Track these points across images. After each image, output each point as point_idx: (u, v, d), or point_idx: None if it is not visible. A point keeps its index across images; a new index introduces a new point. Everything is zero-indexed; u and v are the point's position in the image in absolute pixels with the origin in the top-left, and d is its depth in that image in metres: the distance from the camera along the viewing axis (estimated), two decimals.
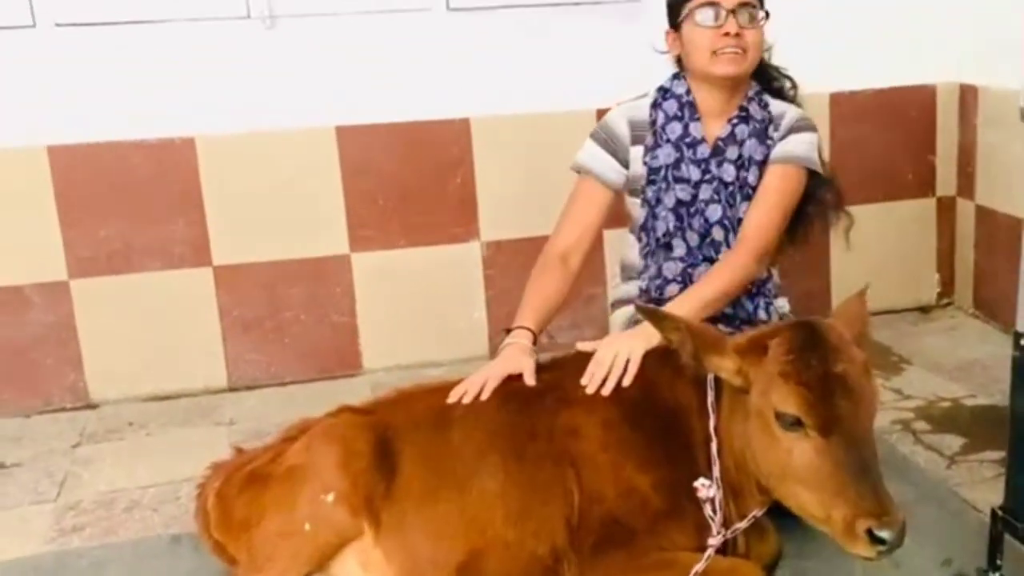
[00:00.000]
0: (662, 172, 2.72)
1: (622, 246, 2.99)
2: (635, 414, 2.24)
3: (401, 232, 3.87)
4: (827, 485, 1.93)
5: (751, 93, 2.75)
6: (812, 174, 2.73)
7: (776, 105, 2.77)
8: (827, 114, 4.10)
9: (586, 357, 2.41)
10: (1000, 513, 2.23)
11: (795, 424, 1.96)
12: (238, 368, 3.84)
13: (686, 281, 2.70)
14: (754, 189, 2.69)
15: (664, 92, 2.78)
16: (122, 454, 3.36)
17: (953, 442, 3.17)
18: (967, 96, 4.16)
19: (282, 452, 2.34)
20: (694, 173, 2.71)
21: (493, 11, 3.79)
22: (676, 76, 2.79)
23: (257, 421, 3.51)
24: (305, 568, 2.20)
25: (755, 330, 2.17)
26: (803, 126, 2.72)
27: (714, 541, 2.12)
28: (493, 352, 3.89)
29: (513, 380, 2.40)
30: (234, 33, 3.63)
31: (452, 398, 2.36)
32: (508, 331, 2.56)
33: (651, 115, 2.76)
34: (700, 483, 2.14)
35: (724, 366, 2.08)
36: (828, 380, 1.97)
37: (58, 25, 3.50)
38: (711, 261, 2.70)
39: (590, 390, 2.30)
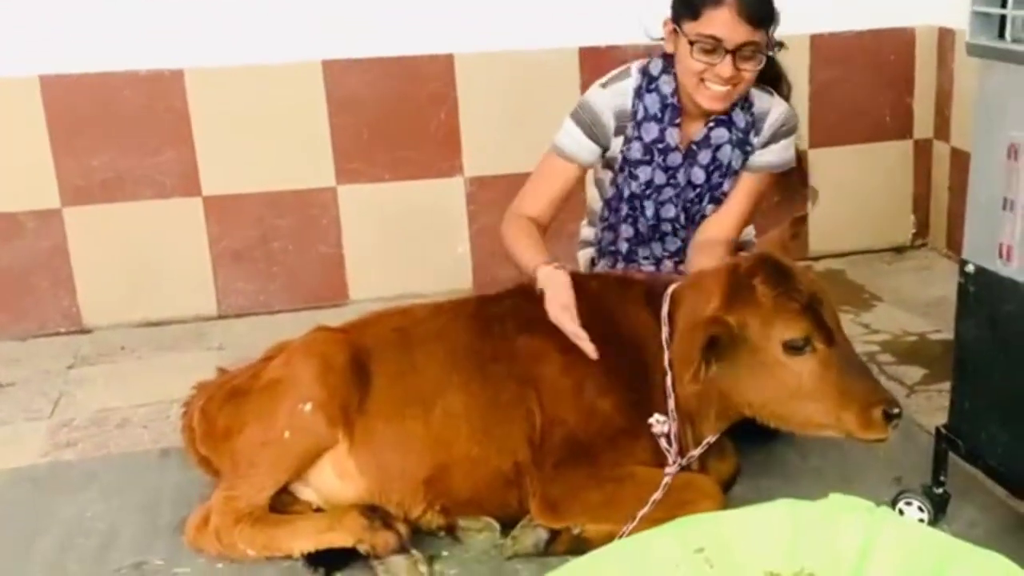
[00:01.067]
0: (628, 165, 2.71)
1: (588, 189, 3.04)
2: (595, 340, 2.32)
3: (386, 166, 3.94)
4: (836, 389, 2.15)
5: None
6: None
7: (760, 101, 2.67)
8: (807, 55, 4.15)
9: None
10: (944, 431, 2.33)
11: (803, 347, 2.14)
12: (227, 296, 3.94)
13: (631, 258, 2.78)
14: (725, 195, 2.70)
15: (649, 81, 2.66)
16: (114, 376, 3.47)
17: (915, 373, 3.28)
18: (945, 39, 4.21)
19: (262, 369, 2.44)
20: (658, 177, 2.68)
21: None
22: (665, 68, 2.66)
23: (245, 347, 3.54)
24: (284, 475, 2.32)
25: (708, 282, 2.27)
26: (786, 131, 2.69)
27: (671, 470, 2.24)
28: (476, 286, 4.00)
29: (480, 304, 2.52)
30: None
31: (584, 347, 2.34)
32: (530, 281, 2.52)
33: (633, 104, 2.66)
34: (654, 419, 2.28)
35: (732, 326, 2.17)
36: (813, 299, 2.17)
37: None
38: (657, 242, 2.77)
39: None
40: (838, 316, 2.25)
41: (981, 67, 2.14)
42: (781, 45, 2.69)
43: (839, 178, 4.15)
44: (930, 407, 3.03)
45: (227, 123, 3.79)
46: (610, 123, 2.68)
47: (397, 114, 3.89)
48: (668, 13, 2.62)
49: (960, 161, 4.21)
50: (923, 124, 4.37)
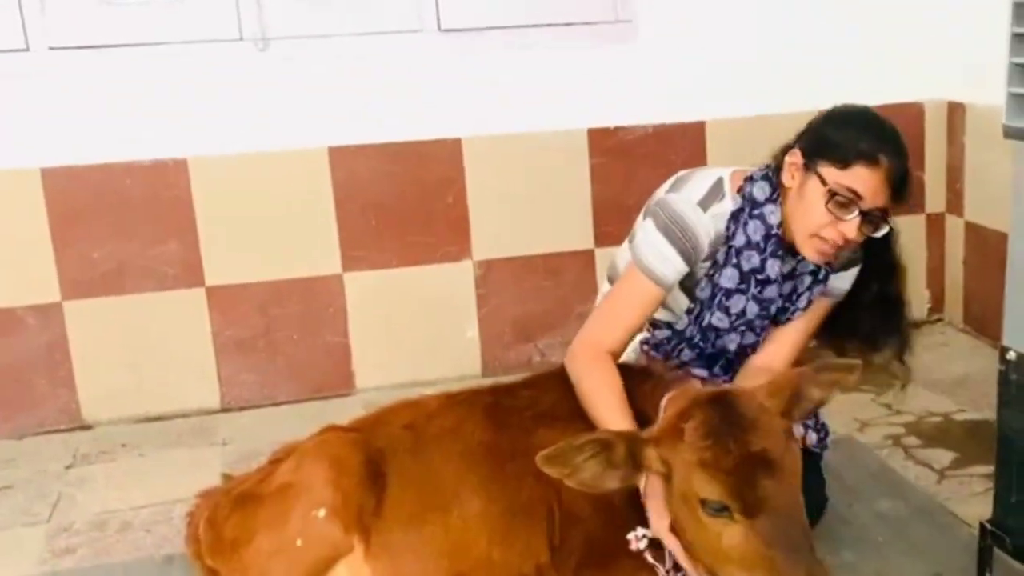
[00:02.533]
0: (715, 293, 2.50)
1: None
2: None
3: (394, 252, 3.89)
4: (760, 564, 1.89)
5: None
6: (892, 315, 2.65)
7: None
8: None
9: (566, 373, 2.39)
10: (989, 527, 2.25)
11: (721, 510, 1.92)
12: (231, 388, 3.85)
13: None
14: (788, 320, 2.55)
15: (752, 206, 2.43)
16: (115, 475, 3.37)
17: (943, 457, 3.18)
18: (955, 113, 4.20)
19: (271, 473, 2.35)
20: (751, 309, 2.49)
21: (485, 31, 3.83)
22: (771, 197, 2.42)
23: (250, 441, 3.50)
24: None
25: (671, 405, 2.11)
26: (852, 261, 2.52)
27: None
28: (485, 370, 3.93)
29: (494, 396, 2.41)
30: (227, 55, 3.66)
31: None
32: None
33: (728, 227, 2.44)
34: (632, 535, 2.11)
35: (651, 458, 2.01)
36: (748, 461, 1.91)
37: (52, 48, 3.53)
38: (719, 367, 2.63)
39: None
40: (791, 482, 1.96)
41: (1018, 149, 2.08)
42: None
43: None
44: (963, 494, 2.94)
45: (231, 211, 3.74)
46: (704, 248, 2.44)
47: (404, 199, 3.86)
48: (795, 143, 2.43)
49: (974, 235, 4.17)
50: (935, 198, 4.33)
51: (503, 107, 3.85)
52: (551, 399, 2.35)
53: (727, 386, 2.17)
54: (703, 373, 2.59)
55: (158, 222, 3.69)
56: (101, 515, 3.08)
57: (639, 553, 2.10)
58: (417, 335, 3.96)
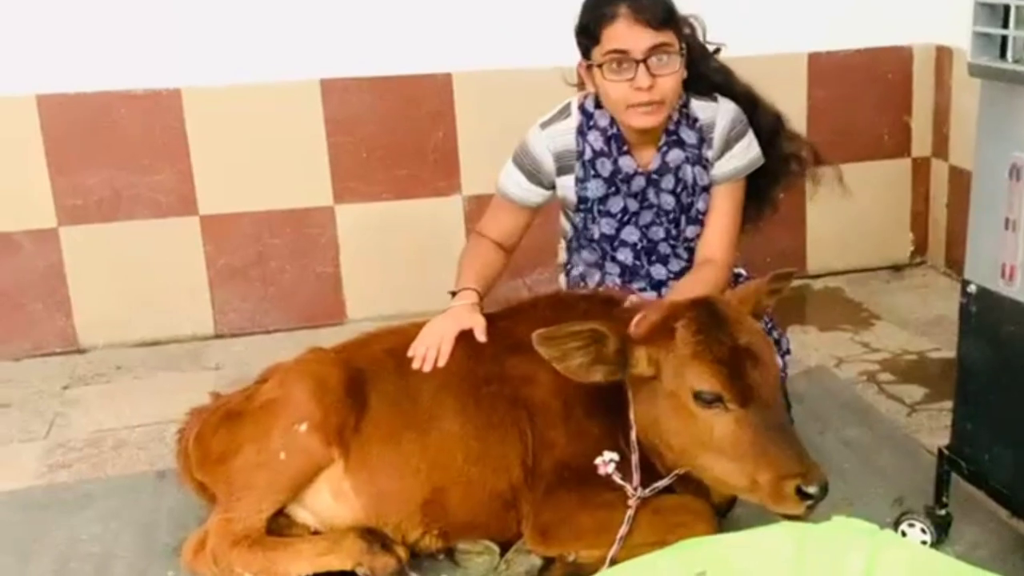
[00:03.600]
0: (591, 204, 2.66)
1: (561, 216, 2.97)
2: None
3: (385, 184, 3.94)
4: (750, 452, 1.99)
5: (677, 108, 2.60)
6: (777, 139, 2.73)
7: (704, 111, 2.63)
8: (805, 74, 4.17)
9: (541, 304, 2.49)
10: (946, 452, 2.32)
11: (714, 400, 2.02)
12: (224, 316, 3.93)
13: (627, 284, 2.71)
14: (702, 213, 2.67)
15: (588, 118, 2.63)
16: (110, 396, 3.45)
17: (916, 392, 3.27)
18: (943, 57, 4.22)
19: (256, 391, 2.43)
20: (631, 204, 2.65)
21: None
22: (598, 103, 2.62)
23: (242, 367, 3.56)
24: (281, 496, 2.30)
25: (650, 314, 2.18)
26: (736, 134, 2.64)
27: (632, 503, 2.16)
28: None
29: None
30: None
31: (414, 361, 2.38)
32: (453, 294, 2.57)
33: (577, 143, 2.63)
34: (600, 460, 2.18)
35: (638, 358, 2.10)
36: (738, 353, 2.03)
37: None
38: (659, 264, 2.72)
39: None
40: (775, 376, 2.11)
41: (982, 87, 2.14)
42: (718, 49, 2.70)
43: (836, 196, 4.13)
44: (931, 426, 3.02)
45: (224, 142, 3.79)
46: (550, 164, 2.66)
47: (395, 133, 3.89)
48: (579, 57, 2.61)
49: (958, 179, 4.21)
50: (921, 142, 4.37)
51: (493, 42, 3.86)
52: (523, 330, 2.37)
53: (704, 294, 2.25)
54: (652, 294, 2.67)
55: (152, 151, 3.74)
56: (96, 433, 3.18)
57: (607, 477, 2.18)
58: (407, 267, 4.01)
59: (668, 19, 2.47)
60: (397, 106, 3.88)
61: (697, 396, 2.03)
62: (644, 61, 2.44)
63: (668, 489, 2.21)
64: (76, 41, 3.62)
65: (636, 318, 2.21)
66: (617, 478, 2.17)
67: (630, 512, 2.15)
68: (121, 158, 3.72)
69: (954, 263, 4.32)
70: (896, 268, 4.46)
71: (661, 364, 2.08)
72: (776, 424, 2.03)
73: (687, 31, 2.59)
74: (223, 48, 3.72)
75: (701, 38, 2.68)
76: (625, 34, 2.44)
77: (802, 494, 1.96)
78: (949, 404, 3.06)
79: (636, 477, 2.18)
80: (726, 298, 2.21)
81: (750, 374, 2.02)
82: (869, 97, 4.26)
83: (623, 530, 2.14)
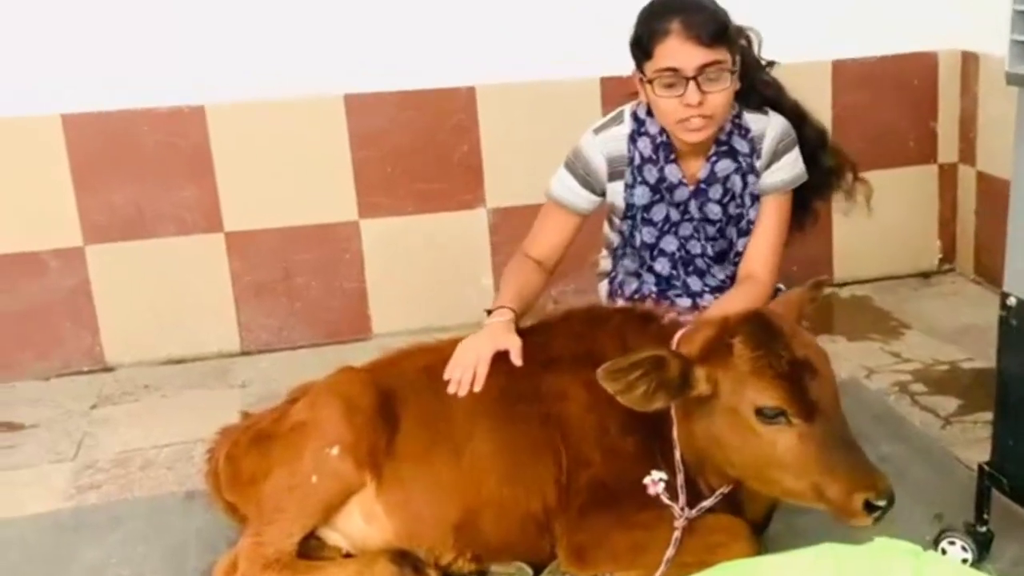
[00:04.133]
0: (636, 211, 2.67)
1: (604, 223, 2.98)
2: None
3: (409, 199, 3.93)
4: (816, 468, 1.97)
5: (729, 119, 2.61)
6: (821, 153, 2.74)
7: (756, 123, 2.64)
8: (829, 81, 4.14)
9: (575, 319, 2.47)
10: (986, 468, 2.29)
11: (777, 416, 1.99)
12: (250, 332, 3.92)
13: (664, 294, 2.71)
14: (752, 223, 2.66)
15: (640, 125, 2.64)
16: (138, 415, 3.45)
17: (949, 403, 3.22)
18: (968, 63, 4.18)
19: (287, 412, 2.41)
20: (672, 214, 2.65)
21: None
22: (650, 111, 2.62)
23: (269, 384, 3.57)
24: (312, 519, 2.27)
25: (697, 331, 2.16)
26: (784, 147, 2.64)
27: (679, 524, 2.14)
28: (486, 315, 3.96)
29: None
30: (245, 2, 3.68)
31: (450, 385, 2.35)
32: (489, 312, 2.55)
33: (628, 150, 2.64)
34: (648, 479, 2.16)
35: (698, 378, 2.07)
36: (798, 366, 2.00)
37: None
38: (694, 276, 2.72)
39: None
40: (835, 389, 2.08)
41: (1020, 96, 2.10)
42: (771, 63, 2.69)
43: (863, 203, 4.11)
44: (966, 439, 2.98)
45: (249, 158, 3.79)
46: (602, 168, 2.66)
47: (419, 147, 3.88)
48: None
49: (986, 185, 4.17)
50: (948, 148, 4.33)
51: (517, 55, 3.86)
52: (558, 345, 2.40)
53: (753, 308, 2.22)
54: (687, 302, 2.67)
55: (177, 168, 3.74)
56: (124, 453, 3.17)
57: (655, 497, 2.15)
58: (432, 282, 4.00)
59: (721, 36, 2.45)
60: (421, 120, 3.87)
61: (759, 412, 2.00)
62: (695, 78, 2.43)
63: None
64: (100, 60, 3.62)
65: (678, 335, 2.19)
66: (665, 498, 2.15)
67: (677, 534, 2.12)
68: (146, 176, 3.72)
69: (983, 270, 4.28)
70: (924, 275, 4.41)
71: (719, 382, 2.05)
72: (840, 437, 2.00)
73: (743, 43, 2.60)
74: (246, 64, 3.72)
75: (756, 51, 2.67)
76: (677, 51, 2.43)
77: (870, 507, 1.94)
78: (984, 416, 3.07)
79: (682, 498, 2.16)
80: (776, 310, 2.17)
81: (811, 387, 2.00)
82: (895, 104, 4.22)
83: (670, 552, 2.11)
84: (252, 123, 3.77)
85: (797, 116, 2.71)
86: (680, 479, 2.17)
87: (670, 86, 2.46)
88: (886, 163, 4.23)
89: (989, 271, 4.24)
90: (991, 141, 4.12)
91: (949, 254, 4.44)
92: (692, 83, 2.43)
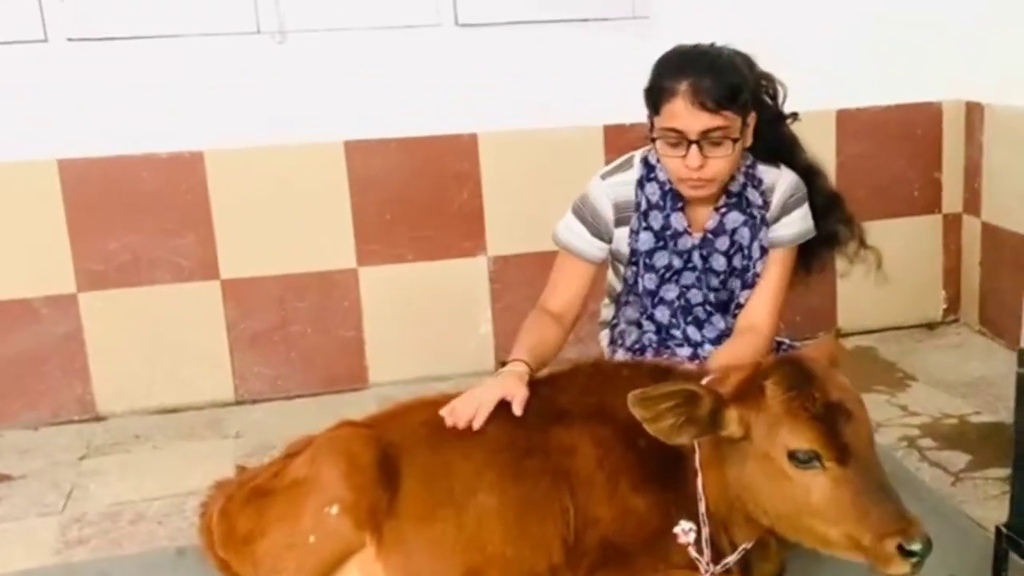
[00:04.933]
0: (639, 257, 2.66)
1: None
2: (628, 434, 2.19)
3: (408, 246, 3.89)
4: (850, 513, 1.93)
5: (743, 171, 2.61)
6: (830, 214, 2.73)
7: (767, 175, 2.64)
8: (833, 131, 4.13)
9: (581, 372, 2.42)
10: (1004, 531, 2.24)
11: (811, 460, 1.95)
12: (245, 381, 3.86)
13: (665, 343, 2.69)
14: (758, 275, 2.65)
15: (649, 171, 2.64)
16: (128, 467, 3.38)
17: (958, 459, 3.17)
18: (973, 113, 4.17)
19: (285, 467, 2.35)
20: (675, 262, 2.64)
21: (502, 27, 3.81)
22: (659, 159, 2.62)
23: (263, 434, 3.52)
24: None
25: (733, 375, 2.13)
26: (795, 201, 2.64)
27: None
28: (499, 366, 3.91)
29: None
30: (244, 48, 3.66)
31: (446, 421, 2.33)
32: (504, 363, 2.51)
33: (636, 195, 2.64)
34: (679, 529, 2.12)
35: (730, 419, 2.04)
36: (832, 410, 1.97)
37: (70, 40, 3.53)
38: (692, 326, 2.69)
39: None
40: (869, 432, 2.04)
41: None
42: (795, 116, 2.68)
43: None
44: (978, 496, 2.93)
45: (247, 205, 3.75)
46: (609, 215, 2.66)
47: (419, 194, 3.86)
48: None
49: (991, 235, 4.15)
50: (952, 198, 4.32)
51: (519, 102, 3.85)
52: (568, 398, 2.35)
53: (789, 352, 2.19)
54: (687, 352, 2.64)
55: (174, 215, 3.70)
56: (114, 506, 3.10)
57: (685, 547, 2.11)
58: (431, 330, 3.96)
59: (730, 100, 2.44)
60: (421, 167, 3.85)
61: (792, 456, 1.96)
62: (698, 143, 2.43)
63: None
64: (97, 105, 3.60)
65: (705, 381, 2.15)
66: (694, 552, 2.10)
67: None
68: (142, 222, 3.68)
69: (988, 321, 4.25)
70: (929, 326, 4.38)
71: (752, 424, 2.01)
72: (875, 481, 1.95)
73: (766, 96, 2.60)
74: (246, 110, 3.69)
75: (780, 102, 2.66)
76: (681, 114, 2.42)
77: (905, 552, 1.87)
78: (995, 472, 3.02)
79: (707, 552, 2.11)
80: (806, 355, 2.14)
81: (845, 431, 1.95)
82: (899, 153, 4.22)
83: None
84: (251, 169, 3.74)
85: (811, 172, 2.70)
86: (705, 533, 2.12)
87: (674, 145, 2.47)
88: (890, 212, 4.23)
89: (994, 322, 4.20)
90: (996, 191, 4.11)
91: (953, 304, 4.41)
92: (694, 147, 2.43)
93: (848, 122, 4.14)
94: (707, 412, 2.02)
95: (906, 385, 3.80)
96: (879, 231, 4.18)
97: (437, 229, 3.90)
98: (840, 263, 2.87)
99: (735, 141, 2.46)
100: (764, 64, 3.96)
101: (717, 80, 2.42)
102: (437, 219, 3.89)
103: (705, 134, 2.42)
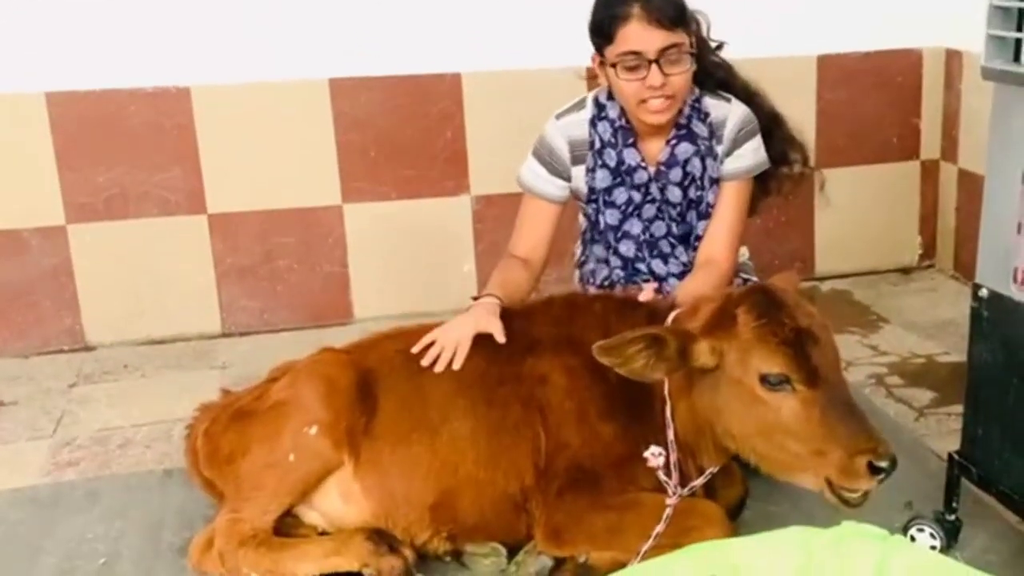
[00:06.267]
0: (598, 194, 2.71)
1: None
2: (598, 364, 2.22)
3: (393, 184, 3.93)
4: (819, 432, 2.01)
5: (689, 103, 2.66)
6: (774, 134, 2.78)
7: (717, 109, 2.68)
8: (814, 76, 4.16)
9: (555, 304, 2.49)
10: (956, 457, 2.31)
11: (782, 383, 2.03)
12: (231, 314, 3.92)
13: (632, 278, 2.75)
14: (711, 206, 2.70)
15: (600, 109, 2.70)
16: (117, 395, 3.45)
17: (923, 396, 3.26)
18: (952, 61, 4.20)
19: (267, 390, 2.43)
20: (634, 196, 2.69)
21: None
22: (611, 95, 2.68)
23: (249, 366, 3.57)
24: (289, 498, 2.30)
25: (704, 306, 2.20)
26: (746, 134, 2.69)
27: (671, 501, 2.17)
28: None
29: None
30: None
31: (426, 359, 2.38)
32: (475, 298, 2.58)
33: (589, 134, 2.70)
34: (649, 453, 2.19)
35: (700, 351, 2.10)
36: (801, 335, 2.05)
37: None
38: (658, 259, 2.75)
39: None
40: (836, 356, 2.12)
41: (995, 91, 2.13)
42: (720, 45, 2.74)
43: (845, 198, 4.13)
44: (940, 431, 3.02)
45: (233, 140, 3.78)
46: (565, 153, 2.72)
47: (404, 133, 3.89)
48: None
49: (967, 182, 4.20)
50: (930, 145, 4.35)
51: (504, 43, 3.86)
52: (539, 330, 2.42)
53: (757, 283, 2.26)
54: (653, 287, 2.67)
55: (161, 149, 3.73)
56: (103, 431, 3.17)
57: (654, 470, 2.19)
58: (415, 267, 4.02)
59: (680, 18, 2.52)
60: (406, 106, 3.87)
61: (764, 380, 2.04)
62: (656, 61, 2.48)
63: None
64: (85, 38, 3.61)
65: (672, 315, 2.23)
66: (662, 475, 2.19)
67: (669, 511, 2.16)
68: (130, 156, 3.71)
69: (963, 266, 4.31)
70: (904, 271, 4.45)
71: (724, 352, 2.09)
72: (843, 402, 2.04)
73: (693, 27, 2.64)
74: (233, 46, 3.71)
75: (706, 33, 2.72)
76: (638, 35, 2.49)
77: (873, 469, 1.97)
78: (957, 408, 3.07)
79: (675, 476, 2.20)
80: (775, 285, 2.21)
81: (814, 354, 2.04)
82: (878, 100, 4.25)
83: (659, 527, 2.14)
84: (237, 105, 3.76)
85: (747, 95, 2.75)
86: (673, 458, 2.20)
87: (632, 69, 2.52)
88: (869, 158, 4.28)
89: (968, 267, 4.24)
90: (973, 138, 4.14)
91: (929, 250, 4.47)
92: (654, 66, 2.49)
93: (829, 67, 4.16)
94: (674, 350, 2.08)
95: (878, 327, 3.87)
96: (858, 177, 4.29)
97: (421, 168, 3.93)
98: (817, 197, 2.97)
99: (692, 56, 2.53)
100: (748, 8, 4.03)
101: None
102: (421, 158, 3.92)
103: (663, 52, 2.48)
